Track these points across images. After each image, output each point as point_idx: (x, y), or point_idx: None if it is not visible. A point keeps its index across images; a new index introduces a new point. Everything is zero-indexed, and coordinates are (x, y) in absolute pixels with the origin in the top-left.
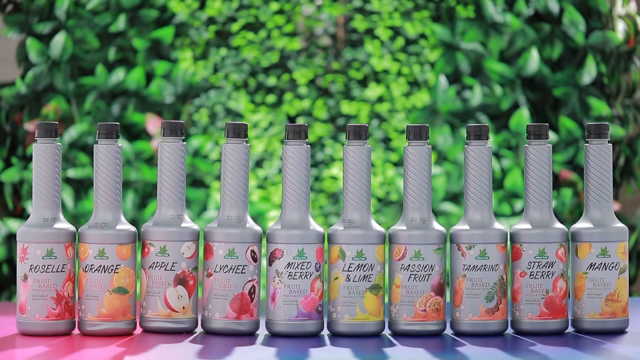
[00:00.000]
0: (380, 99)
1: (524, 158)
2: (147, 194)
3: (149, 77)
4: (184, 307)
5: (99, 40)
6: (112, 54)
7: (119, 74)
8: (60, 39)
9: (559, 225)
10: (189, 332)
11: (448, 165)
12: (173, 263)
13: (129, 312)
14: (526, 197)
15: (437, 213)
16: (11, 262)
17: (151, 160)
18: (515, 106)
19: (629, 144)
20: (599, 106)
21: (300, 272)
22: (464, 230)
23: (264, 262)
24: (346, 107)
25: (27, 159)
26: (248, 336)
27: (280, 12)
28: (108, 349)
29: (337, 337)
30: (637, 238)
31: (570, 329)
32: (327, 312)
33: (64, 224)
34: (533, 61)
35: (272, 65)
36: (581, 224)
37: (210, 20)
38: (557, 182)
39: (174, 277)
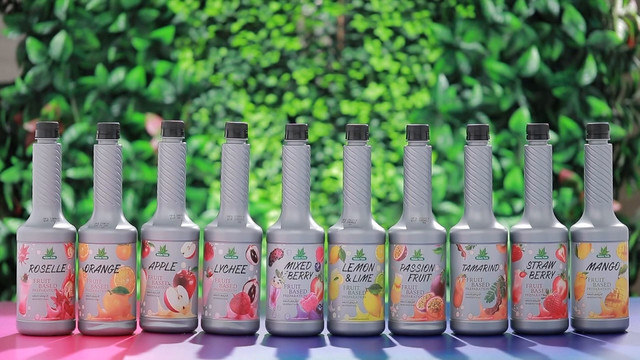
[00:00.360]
0: (380, 99)
1: (524, 158)
2: (147, 194)
3: (149, 77)
4: (184, 307)
5: (99, 40)
6: (112, 54)
7: (119, 74)
8: (60, 39)
9: (559, 225)
10: (189, 332)
11: (448, 165)
12: (173, 263)
13: (129, 312)
14: (526, 197)
15: (437, 213)
16: (11, 262)
17: (151, 160)
18: (515, 106)
19: (629, 144)
20: (599, 106)
21: (300, 272)
22: (464, 230)
23: (264, 262)
24: (346, 107)
25: (27, 159)
26: (248, 336)
27: (280, 12)
28: (108, 349)
29: (337, 337)
30: (637, 238)
31: (570, 329)
32: (327, 312)
33: (64, 224)
34: (533, 61)
35: (272, 65)
36: (581, 224)
37: (210, 20)
38: (557, 182)
39: (174, 277)
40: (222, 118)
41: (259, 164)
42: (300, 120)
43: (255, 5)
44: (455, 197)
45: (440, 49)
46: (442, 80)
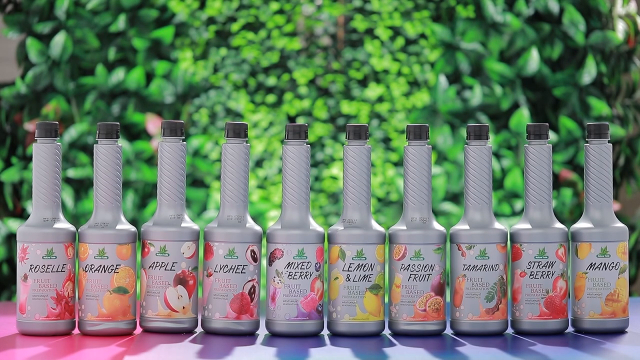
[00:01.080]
0: (380, 99)
1: (524, 158)
2: (147, 194)
3: (149, 77)
4: (184, 307)
5: (99, 40)
6: (112, 54)
7: (119, 74)
8: (60, 39)
9: (559, 225)
10: (189, 332)
11: (448, 165)
12: (173, 263)
13: (129, 312)
14: (526, 197)
15: (437, 213)
16: (11, 262)
17: (151, 160)
18: (515, 106)
19: (629, 144)
20: (599, 106)
21: (300, 272)
22: (464, 230)
23: (264, 262)
24: (346, 107)
25: (27, 159)
26: (248, 336)
27: (280, 12)
28: (108, 349)
29: (337, 337)
30: (637, 238)
31: (570, 329)
32: (327, 312)
33: (64, 224)
34: (533, 61)
35: (272, 65)
36: (581, 224)
37: (210, 20)
38: (557, 182)
39: (174, 277)
40: (222, 118)
41: (259, 164)
42: (300, 120)
43: (255, 5)
44: (455, 197)
45: (440, 49)
46: (442, 80)
